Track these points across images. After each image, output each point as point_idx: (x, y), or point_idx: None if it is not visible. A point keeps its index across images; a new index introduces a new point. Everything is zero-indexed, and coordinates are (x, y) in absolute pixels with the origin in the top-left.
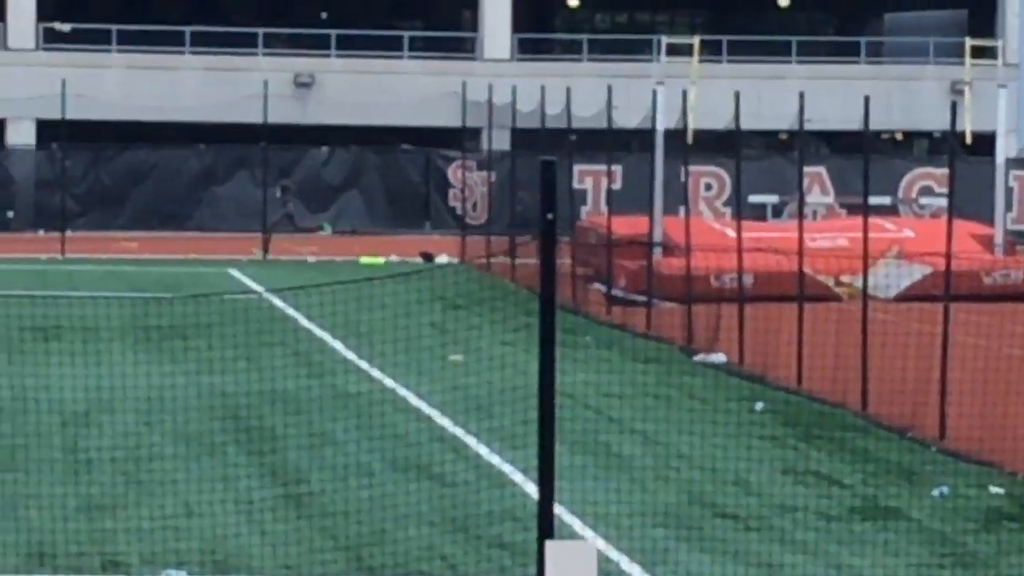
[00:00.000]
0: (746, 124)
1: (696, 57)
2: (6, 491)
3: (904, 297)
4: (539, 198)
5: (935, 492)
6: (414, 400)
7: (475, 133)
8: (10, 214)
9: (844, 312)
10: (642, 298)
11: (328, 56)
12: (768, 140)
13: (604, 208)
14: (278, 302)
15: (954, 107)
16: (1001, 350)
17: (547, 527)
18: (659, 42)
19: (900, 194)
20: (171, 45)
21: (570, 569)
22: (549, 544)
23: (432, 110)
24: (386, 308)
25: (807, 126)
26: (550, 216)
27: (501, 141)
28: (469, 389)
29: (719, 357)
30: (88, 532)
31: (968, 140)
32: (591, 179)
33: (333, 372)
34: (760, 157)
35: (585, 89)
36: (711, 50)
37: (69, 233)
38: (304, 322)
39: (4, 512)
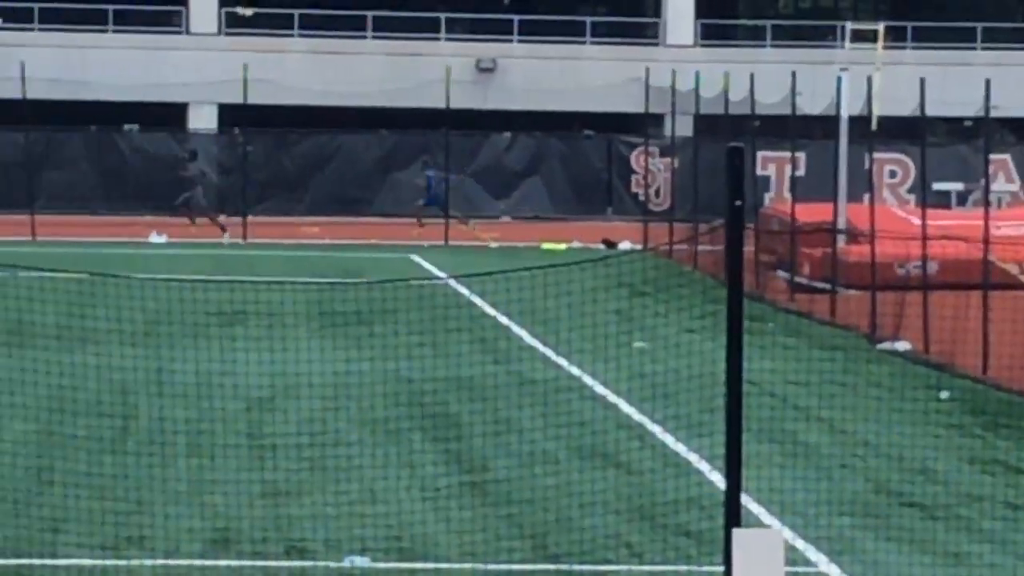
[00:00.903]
0: (931, 111)
1: (881, 43)
2: (191, 476)
3: None
4: (726, 185)
5: None
6: (598, 388)
7: (658, 119)
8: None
9: None
10: (826, 286)
11: (510, 42)
12: (953, 127)
13: (787, 195)
14: (461, 288)
15: None
16: None
17: (734, 515)
18: (843, 28)
19: None
20: (353, 30)
21: (757, 557)
22: (736, 532)
23: (615, 96)
24: (569, 295)
25: (993, 113)
26: (738, 203)
27: (684, 127)
28: (653, 377)
29: (903, 345)
30: (272, 518)
31: None
32: (774, 166)
33: (517, 359)
34: (945, 144)
35: (768, 75)
36: (896, 36)
37: (251, 218)
38: (487, 309)
39: (189, 497)
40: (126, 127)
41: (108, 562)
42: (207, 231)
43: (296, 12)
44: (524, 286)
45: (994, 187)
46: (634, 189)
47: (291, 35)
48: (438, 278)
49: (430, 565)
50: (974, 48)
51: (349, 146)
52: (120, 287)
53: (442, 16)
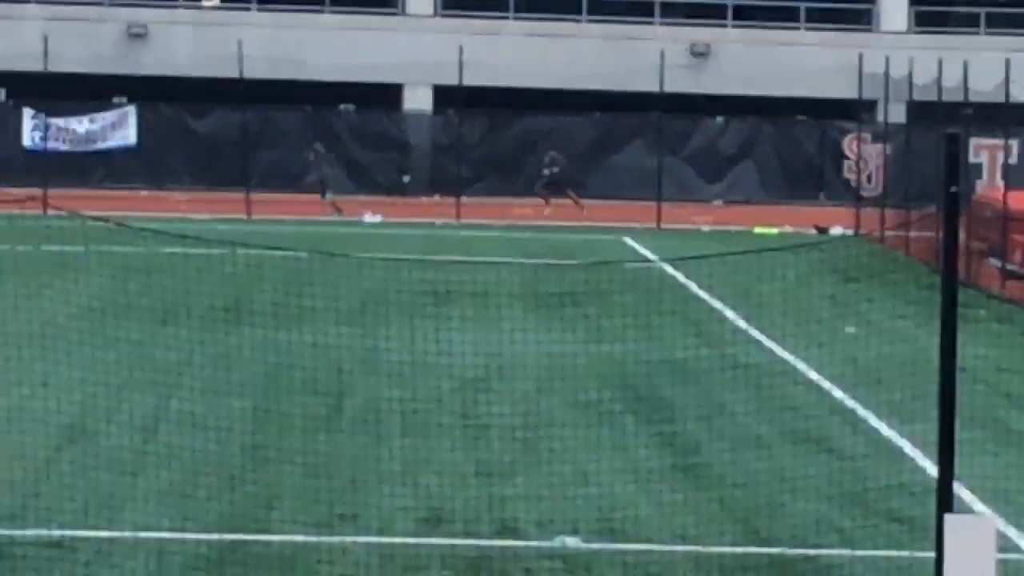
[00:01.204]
0: None
1: None
2: (404, 455)
3: None
4: (942, 171)
5: None
6: (810, 373)
7: (871, 105)
8: (407, 178)
9: None
10: None
11: (725, 26)
12: None
13: (1000, 182)
14: (672, 271)
15: None
16: None
17: (947, 501)
18: None
19: None
20: (568, 13)
21: (969, 544)
22: (949, 518)
23: (828, 82)
24: (780, 279)
25: None
26: (954, 189)
27: (896, 114)
28: (865, 362)
29: None
30: (484, 497)
31: None
32: (987, 153)
33: (729, 343)
34: None
35: (983, 62)
36: None
37: (464, 199)
38: (699, 292)
39: (402, 476)
40: (342, 107)
41: (321, 539)
42: (421, 210)
43: None
44: (737, 270)
45: None
46: (846, 175)
47: (506, 17)
48: (648, 260)
49: (640, 546)
50: None
51: (563, 128)
52: (335, 266)
53: (657, 0)
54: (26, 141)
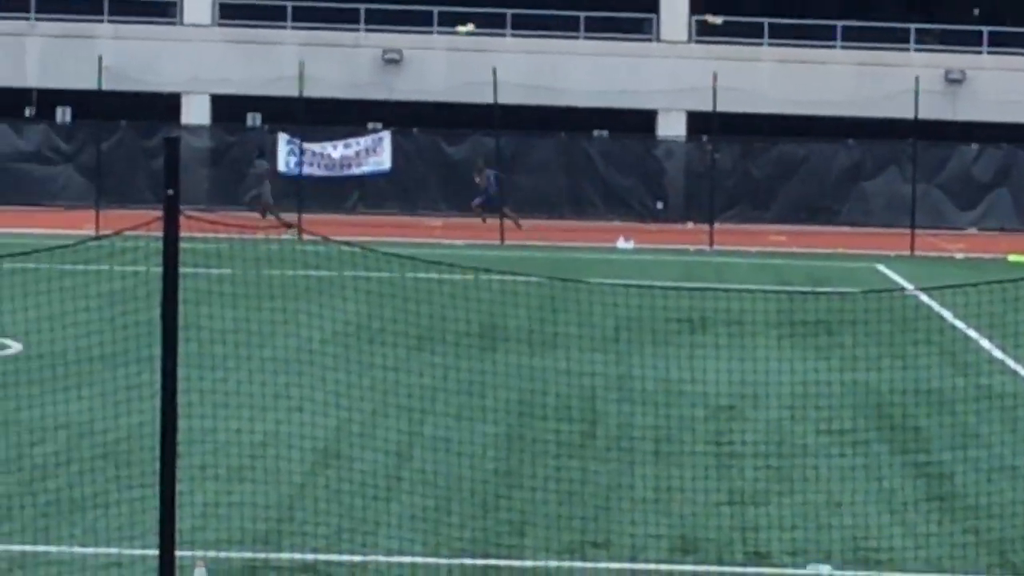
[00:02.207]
0: None
1: None
2: (658, 482)
3: None
4: None
5: None
6: None
7: None
8: (660, 204)
9: None
10: None
11: (980, 53)
12: None
13: None
14: (926, 299)
15: None
16: None
17: None
18: None
19: None
20: (822, 39)
21: None
22: None
23: None
24: None
25: None
26: None
27: None
28: None
29: None
30: (733, 524)
31: None
32: None
33: (982, 372)
34: None
35: None
36: None
37: (717, 225)
38: (953, 321)
39: (655, 504)
40: (595, 133)
41: (573, 564)
42: (674, 236)
43: (766, 21)
44: (992, 299)
45: None
46: None
47: (760, 44)
48: (901, 289)
49: (894, 575)
50: None
51: (817, 155)
52: (586, 292)
53: (911, 27)
54: (281, 166)
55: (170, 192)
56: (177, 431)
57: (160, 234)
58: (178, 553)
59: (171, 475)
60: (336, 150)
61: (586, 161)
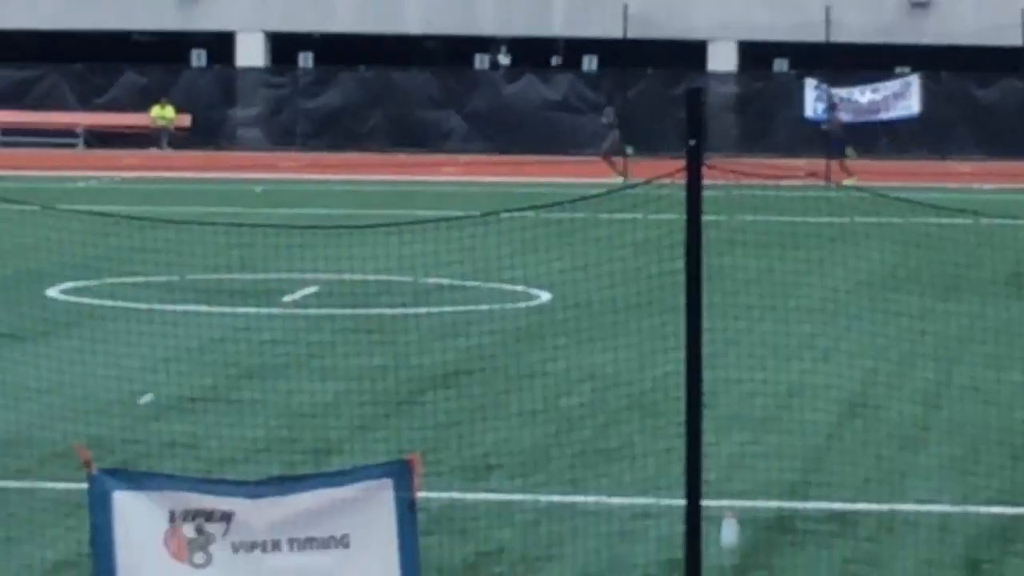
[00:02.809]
0: None
1: None
2: None
3: None
4: None
5: None
6: None
7: None
8: None
9: None
10: None
11: None
12: None
13: None
14: None
15: None
16: None
17: None
18: None
19: None
20: None
21: None
22: None
23: None
24: None
25: None
26: None
27: None
28: None
29: None
30: None
31: None
32: None
33: None
34: None
35: None
36: None
37: None
38: None
39: None
40: None
41: None
42: None
43: None
44: None
45: None
46: None
47: None
48: None
49: None
50: None
51: None
52: None
53: None
54: (808, 112)
55: (692, 142)
56: (702, 381)
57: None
58: (705, 503)
59: (697, 426)
60: (864, 95)
61: None
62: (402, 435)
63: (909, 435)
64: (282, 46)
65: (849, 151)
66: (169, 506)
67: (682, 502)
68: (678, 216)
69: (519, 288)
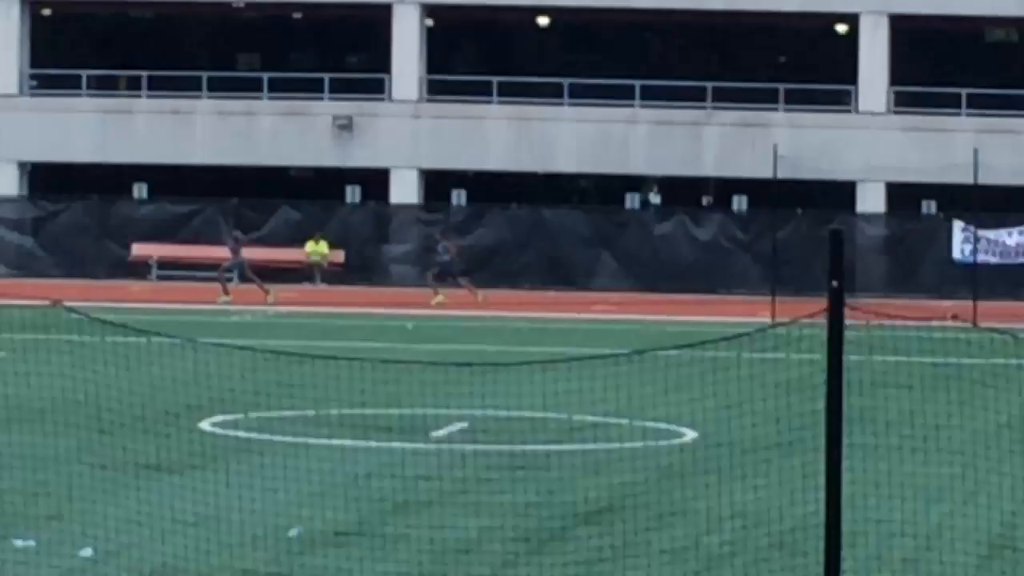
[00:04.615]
0: None
1: None
2: None
3: None
4: None
5: None
6: None
7: None
8: None
9: None
10: None
11: None
12: None
13: None
14: None
15: None
16: None
17: None
18: None
19: None
20: None
21: None
22: None
23: None
24: None
25: None
26: None
27: None
28: None
29: None
30: None
31: None
32: None
33: None
34: None
35: None
36: None
37: None
38: None
39: None
40: None
41: None
42: None
43: None
44: None
45: None
46: None
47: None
48: None
49: None
50: None
51: None
52: None
53: None
54: (956, 254)
55: (834, 284)
56: (841, 521)
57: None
58: None
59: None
60: (1011, 237)
61: None
62: (545, 572)
63: None
64: (436, 183)
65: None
66: None
67: None
68: (822, 356)
69: (664, 426)
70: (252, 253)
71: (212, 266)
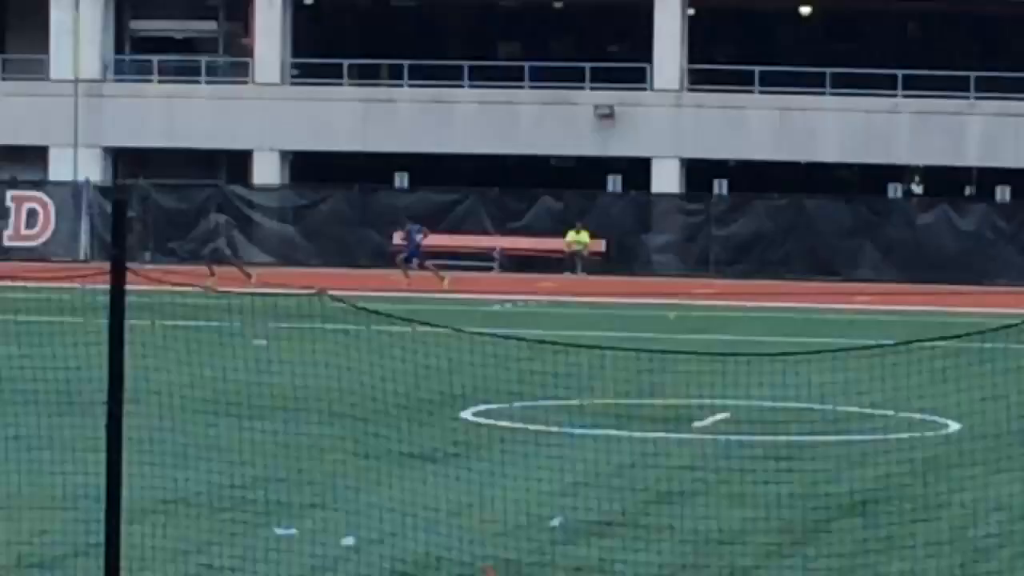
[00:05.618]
0: None
1: None
2: None
3: None
4: None
5: None
6: None
7: None
8: None
9: None
10: None
11: None
12: None
13: None
14: None
15: None
16: None
17: None
18: None
19: None
20: None
21: None
22: None
23: None
24: None
25: None
26: None
27: None
28: None
29: None
30: None
31: None
32: None
33: None
34: None
35: None
36: None
37: None
38: None
39: None
40: None
41: None
42: None
43: None
44: None
45: None
46: None
47: None
48: None
49: None
50: None
51: None
52: None
53: None
54: None
55: None
56: None
57: None
58: None
59: None
60: None
61: None
62: (809, 563)
63: None
64: (697, 172)
65: None
66: None
67: None
68: None
69: (929, 417)
70: (513, 242)
71: (473, 255)
